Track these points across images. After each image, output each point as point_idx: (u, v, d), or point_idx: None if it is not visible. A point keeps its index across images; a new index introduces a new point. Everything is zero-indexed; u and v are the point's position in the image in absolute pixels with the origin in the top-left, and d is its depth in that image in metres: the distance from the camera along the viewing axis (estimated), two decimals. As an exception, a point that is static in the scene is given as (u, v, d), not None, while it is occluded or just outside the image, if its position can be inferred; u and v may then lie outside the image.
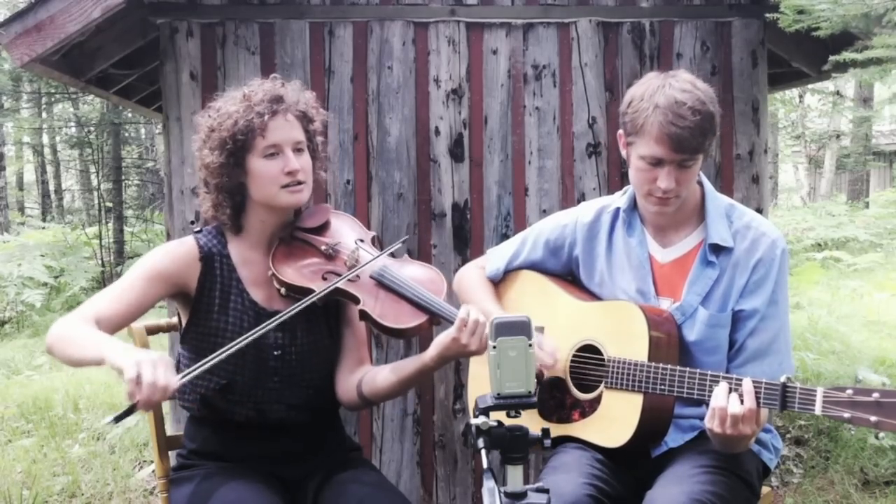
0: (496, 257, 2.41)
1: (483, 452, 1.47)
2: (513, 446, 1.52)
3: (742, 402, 1.83)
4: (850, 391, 1.71)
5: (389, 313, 1.99)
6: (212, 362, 1.83)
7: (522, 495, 1.48)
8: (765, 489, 2.21)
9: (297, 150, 2.05)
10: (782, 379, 1.82)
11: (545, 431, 1.57)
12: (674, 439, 2.12)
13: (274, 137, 2.01)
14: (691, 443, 2.11)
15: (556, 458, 2.11)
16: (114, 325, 1.95)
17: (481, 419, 1.50)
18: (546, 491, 1.49)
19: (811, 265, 9.97)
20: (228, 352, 1.85)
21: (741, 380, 1.87)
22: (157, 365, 1.72)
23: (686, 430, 2.13)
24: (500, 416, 1.54)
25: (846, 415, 1.71)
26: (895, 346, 6.13)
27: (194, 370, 1.83)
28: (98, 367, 1.91)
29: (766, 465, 2.17)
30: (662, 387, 1.97)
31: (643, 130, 2.01)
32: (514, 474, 1.51)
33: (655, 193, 2.05)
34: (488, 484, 1.40)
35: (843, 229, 12.16)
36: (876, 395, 1.69)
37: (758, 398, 1.84)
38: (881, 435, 4.01)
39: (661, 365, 1.98)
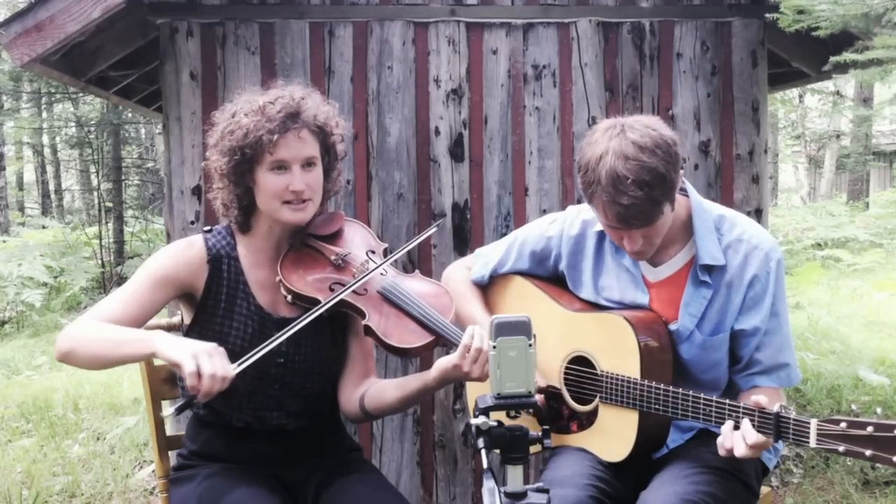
0: (481, 264, 2.36)
1: (483, 452, 1.47)
2: (513, 446, 1.52)
3: (747, 441, 1.78)
4: (844, 424, 1.65)
5: (394, 332, 1.95)
6: (265, 350, 1.85)
7: (522, 495, 1.48)
8: (764, 489, 2.21)
9: (308, 166, 2.01)
10: (775, 408, 1.76)
11: (545, 431, 1.57)
12: (673, 440, 2.11)
13: (282, 154, 1.96)
14: (690, 443, 2.11)
15: (556, 459, 2.11)
16: None
17: (481, 419, 1.50)
18: (546, 491, 1.49)
19: (811, 265, 9.98)
20: (271, 345, 1.87)
21: (739, 414, 1.82)
22: (213, 355, 1.77)
23: (685, 430, 2.13)
24: (500, 416, 1.54)
25: (841, 448, 1.65)
26: (895, 346, 6.14)
27: (248, 359, 1.84)
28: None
29: (766, 465, 2.16)
30: (657, 406, 1.94)
31: (593, 203, 1.95)
32: (514, 474, 1.51)
33: (626, 249, 2.03)
34: (488, 484, 1.39)
35: (843, 229, 12.16)
36: (870, 428, 1.62)
37: (754, 428, 1.79)
38: None
39: (653, 384, 1.95)
